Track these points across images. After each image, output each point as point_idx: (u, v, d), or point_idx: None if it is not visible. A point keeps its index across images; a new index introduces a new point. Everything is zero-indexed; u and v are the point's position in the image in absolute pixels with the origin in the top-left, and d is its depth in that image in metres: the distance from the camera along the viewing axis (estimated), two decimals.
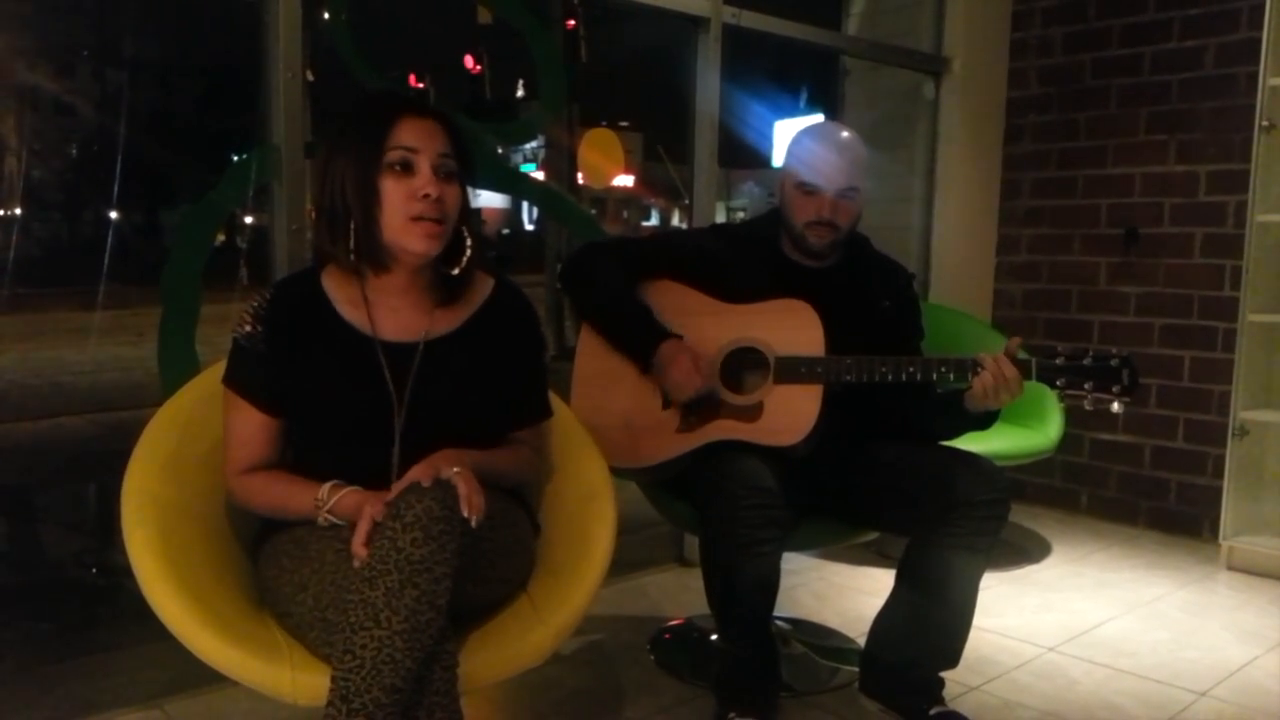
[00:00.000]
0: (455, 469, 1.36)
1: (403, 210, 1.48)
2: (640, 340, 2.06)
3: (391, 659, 1.23)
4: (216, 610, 1.41)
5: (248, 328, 1.54)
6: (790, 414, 1.98)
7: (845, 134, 2.13)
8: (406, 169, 1.48)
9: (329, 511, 1.44)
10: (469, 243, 1.58)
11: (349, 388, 1.53)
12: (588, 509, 1.69)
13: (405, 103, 1.53)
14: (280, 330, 1.54)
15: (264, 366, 1.53)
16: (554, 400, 1.82)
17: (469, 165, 1.57)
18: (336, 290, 1.58)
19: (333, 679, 1.25)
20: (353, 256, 1.51)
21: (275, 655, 1.39)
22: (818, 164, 2.08)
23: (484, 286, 1.66)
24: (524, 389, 1.68)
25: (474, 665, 1.40)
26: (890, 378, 1.94)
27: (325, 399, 1.53)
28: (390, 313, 1.57)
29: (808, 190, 2.07)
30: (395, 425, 1.52)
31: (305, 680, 1.36)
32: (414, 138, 1.49)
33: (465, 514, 1.33)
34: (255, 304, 1.56)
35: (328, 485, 1.45)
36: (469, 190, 1.60)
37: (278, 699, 1.38)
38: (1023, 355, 1.87)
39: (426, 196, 1.47)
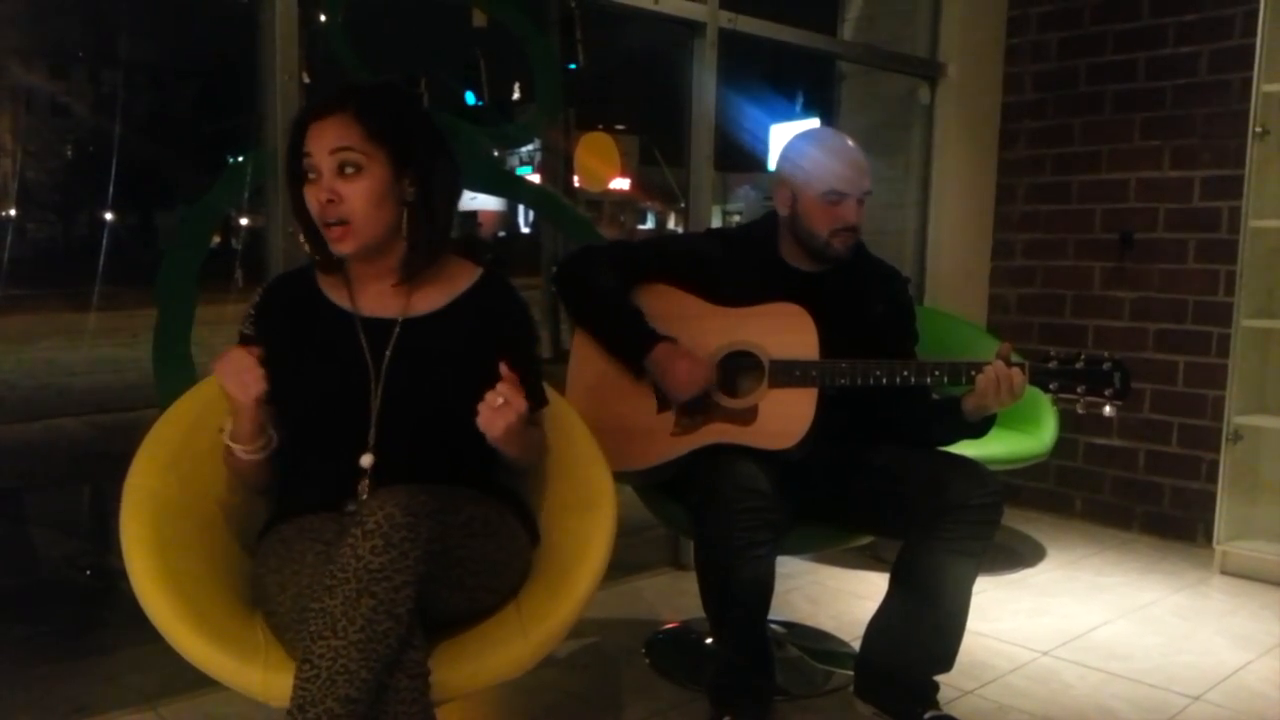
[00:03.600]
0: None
1: (317, 217, 1.54)
2: (632, 343, 2.06)
3: (346, 669, 1.23)
4: (200, 607, 1.41)
5: (246, 319, 1.62)
6: (785, 418, 1.98)
7: (849, 139, 2.14)
8: (316, 177, 1.52)
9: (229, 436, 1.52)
10: (404, 219, 1.56)
11: (327, 361, 1.58)
12: (586, 519, 1.66)
13: (312, 108, 1.55)
14: (270, 315, 1.61)
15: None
16: (564, 406, 1.81)
17: (401, 141, 1.54)
18: (326, 278, 1.64)
19: (293, 686, 1.25)
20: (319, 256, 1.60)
21: (251, 654, 1.39)
22: (843, 170, 2.06)
23: (467, 274, 1.67)
24: (520, 376, 1.67)
25: (451, 674, 1.39)
26: (884, 381, 1.95)
27: (305, 373, 1.56)
28: (371, 292, 1.62)
29: (834, 199, 2.05)
30: (372, 400, 1.54)
31: (277, 681, 1.35)
32: (312, 142, 1.52)
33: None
34: (254, 299, 1.65)
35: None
36: (443, 172, 1.59)
37: (249, 697, 1.38)
38: (1016, 359, 1.88)
39: (319, 201, 1.51)
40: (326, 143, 1.50)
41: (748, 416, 2.01)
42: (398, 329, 1.59)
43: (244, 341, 1.59)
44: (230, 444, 1.54)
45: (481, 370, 1.59)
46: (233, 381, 1.49)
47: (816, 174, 2.07)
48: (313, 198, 1.52)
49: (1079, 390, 1.85)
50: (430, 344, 1.59)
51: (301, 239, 1.62)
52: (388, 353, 1.57)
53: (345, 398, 1.55)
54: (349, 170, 1.50)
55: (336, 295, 1.62)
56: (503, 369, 1.47)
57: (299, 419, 1.57)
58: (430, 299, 1.63)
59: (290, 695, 1.25)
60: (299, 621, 1.35)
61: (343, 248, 1.53)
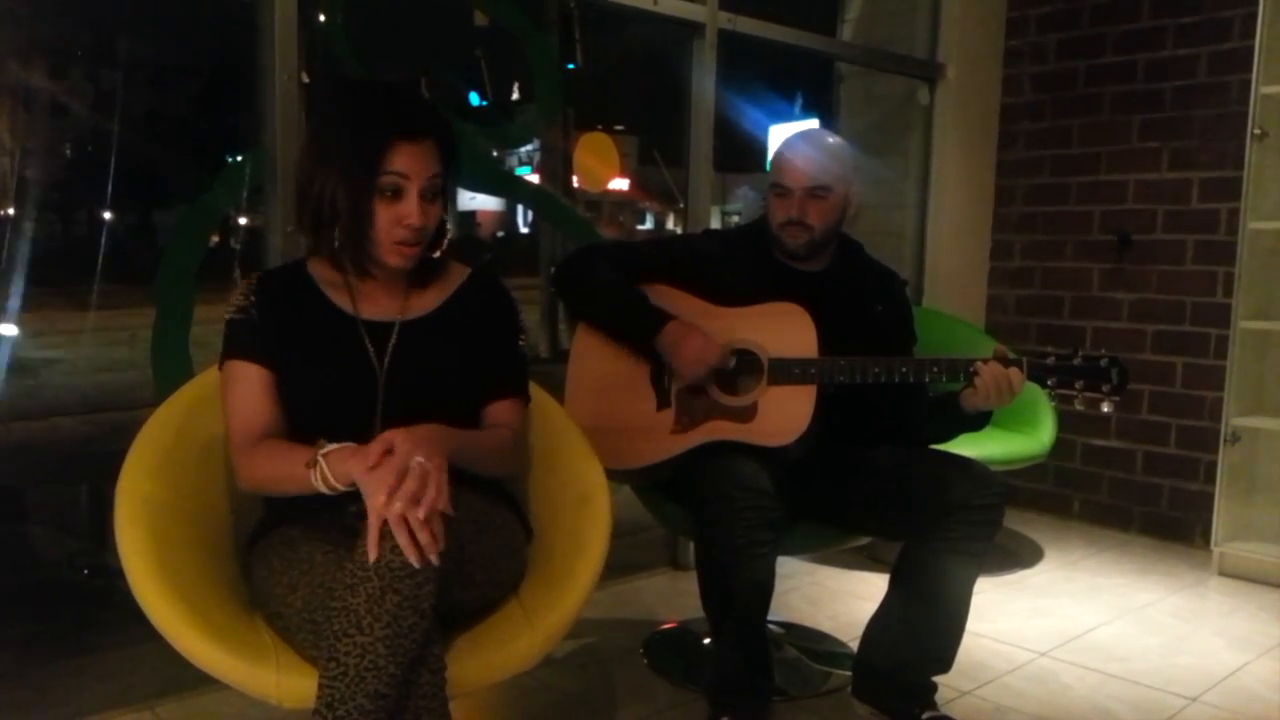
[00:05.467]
0: (421, 460, 1.32)
1: (389, 234, 1.52)
2: (642, 323, 2.06)
3: (375, 665, 1.24)
4: (205, 611, 1.40)
5: (239, 301, 1.58)
6: (784, 415, 1.98)
7: (821, 136, 2.17)
8: (396, 195, 1.51)
9: (323, 478, 1.39)
10: (448, 227, 1.63)
11: (334, 362, 1.57)
12: (582, 513, 1.68)
13: (399, 125, 1.51)
14: (271, 306, 1.58)
15: (259, 333, 1.56)
16: (550, 403, 1.82)
17: (457, 168, 1.60)
18: (322, 275, 1.63)
19: (319, 685, 1.25)
20: (336, 255, 1.56)
21: (261, 657, 1.39)
22: (785, 164, 2.10)
23: (458, 274, 1.71)
24: (499, 366, 1.68)
25: (462, 670, 1.40)
26: (883, 378, 1.96)
27: (312, 372, 1.56)
28: (370, 295, 1.62)
29: (779, 191, 2.10)
30: (378, 399, 1.55)
31: (290, 683, 1.36)
32: (407, 164, 1.50)
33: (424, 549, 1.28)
34: (244, 286, 1.60)
35: (316, 448, 1.40)
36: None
37: (263, 701, 1.38)
38: (1012, 356, 1.90)
39: (410, 225, 1.51)
40: (425, 168, 1.51)
41: (747, 414, 2.01)
42: (396, 331, 1.60)
43: (237, 323, 1.56)
44: (329, 478, 1.38)
45: (476, 366, 1.64)
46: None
47: (771, 167, 2.14)
48: (397, 216, 1.51)
49: (1077, 386, 1.87)
50: (427, 345, 1.61)
51: (318, 231, 1.54)
52: (388, 355, 1.58)
53: (351, 400, 1.55)
54: (430, 195, 1.53)
55: (337, 297, 1.61)
56: (419, 465, 1.32)
57: (304, 419, 1.56)
58: (426, 300, 1.65)
59: (316, 694, 1.25)
60: (311, 622, 1.35)
61: (407, 264, 1.56)
